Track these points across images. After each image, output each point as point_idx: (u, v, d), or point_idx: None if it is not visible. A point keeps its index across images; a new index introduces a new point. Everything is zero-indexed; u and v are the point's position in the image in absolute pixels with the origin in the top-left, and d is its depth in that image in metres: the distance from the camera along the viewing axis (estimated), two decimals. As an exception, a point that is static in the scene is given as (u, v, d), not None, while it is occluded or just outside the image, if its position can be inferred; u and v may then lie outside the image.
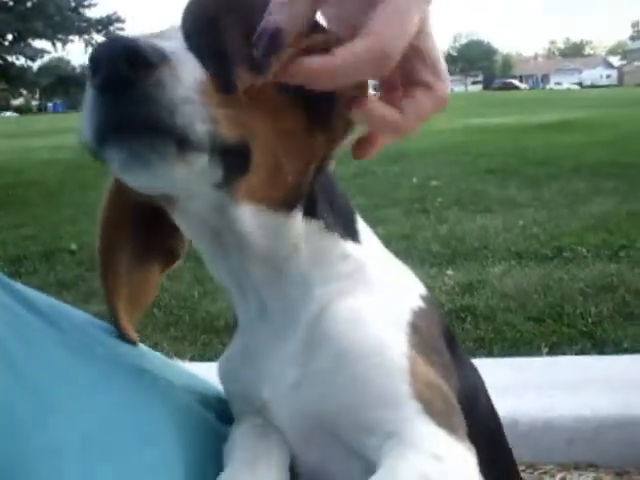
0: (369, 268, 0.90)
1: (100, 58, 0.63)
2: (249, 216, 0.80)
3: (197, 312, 4.14)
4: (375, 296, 0.88)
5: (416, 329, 0.85)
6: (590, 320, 3.54)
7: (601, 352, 3.17)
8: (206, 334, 3.76)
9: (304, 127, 0.79)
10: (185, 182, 0.71)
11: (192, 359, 3.40)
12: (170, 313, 4.15)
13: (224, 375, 1.00)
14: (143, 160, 0.66)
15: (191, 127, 0.65)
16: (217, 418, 1.03)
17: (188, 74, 0.66)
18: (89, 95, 0.66)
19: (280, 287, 0.87)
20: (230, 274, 0.89)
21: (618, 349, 3.20)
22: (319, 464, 0.89)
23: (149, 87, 0.63)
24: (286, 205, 0.83)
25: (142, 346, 1.10)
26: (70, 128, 27.48)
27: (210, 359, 3.38)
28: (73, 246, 5.90)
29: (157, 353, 1.14)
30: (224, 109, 0.68)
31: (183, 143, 0.66)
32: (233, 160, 0.71)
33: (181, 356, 3.44)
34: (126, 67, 0.62)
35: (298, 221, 0.85)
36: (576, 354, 3.13)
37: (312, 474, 0.91)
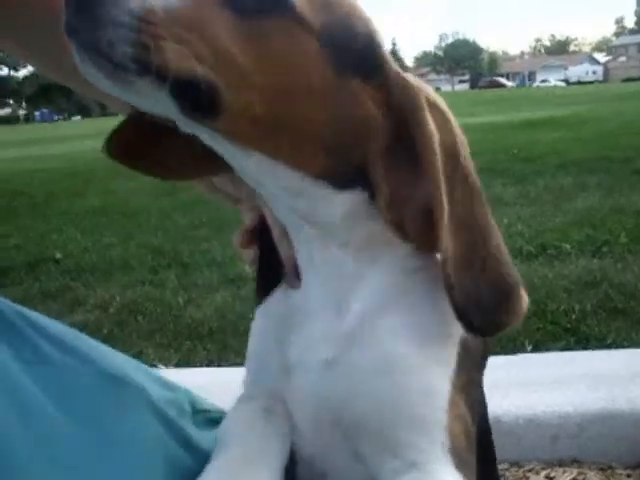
0: (429, 270, 0.86)
1: None
2: (264, 171, 0.79)
3: (182, 319, 4.12)
4: (434, 306, 0.84)
5: (466, 348, 0.84)
6: (574, 316, 3.55)
7: (585, 348, 3.17)
8: (191, 340, 3.75)
9: (323, 70, 0.76)
10: (143, 102, 0.73)
11: (177, 365, 3.40)
12: (155, 320, 4.14)
13: (258, 323, 0.97)
14: (91, 71, 0.69)
15: (114, 48, 0.66)
16: (199, 428, 1.03)
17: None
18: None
19: (333, 255, 0.85)
20: (280, 212, 0.88)
21: (602, 344, 3.21)
22: (320, 456, 0.87)
23: (83, 4, 0.65)
24: (329, 177, 0.80)
25: (114, 351, 1.10)
26: (56, 137, 27.48)
27: (195, 365, 3.38)
28: (58, 255, 5.89)
29: (133, 360, 1.13)
30: (179, 43, 0.68)
31: (112, 62, 0.67)
32: (190, 93, 0.70)
33: (166, 363, 3.43)
34: None
35: (348, 200, 0.81)
36: (560, 350, 3.13)
37: (309, 464, 0.89)
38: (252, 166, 0.78)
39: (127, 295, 4.67)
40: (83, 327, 4.06)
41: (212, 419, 1.11)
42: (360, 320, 0.83)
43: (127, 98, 0.72)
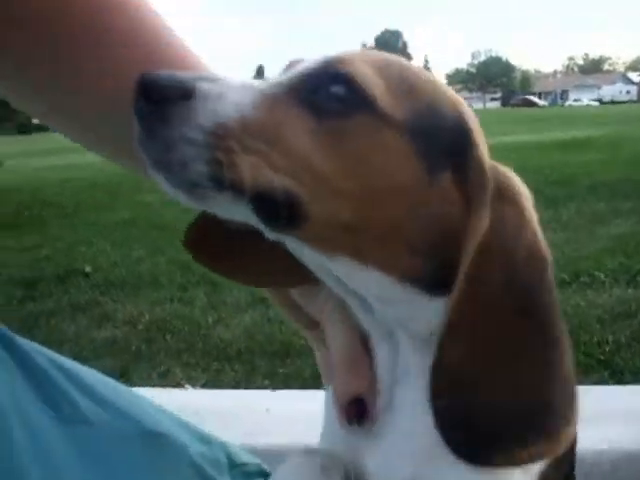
0: None
1: (137, 87, 0.65)
2: (351, 276, 0.74)
3: (210, 338, 4.13)
4: None
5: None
6: (607, 348, 3.49)
7: (619, 381, 3.12)
8: (219, 361, 3.75)
9: (410, 166, 0.71)
10: (223, 213, 0.70)
11: (204, 386, 3.39)
12: (183, 339, 4.15)
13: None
14: (167, 187, 0.67)
15: (183, 163, 0.65)
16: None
17: (206, 112, 0.65)
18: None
19: (424, 358, 0.77)
20: (368, 322, 0.81)
21: (636, 378, 3.15)
22: None
23: (154, 120, 0.65)
24: (420, 280, 0.73)
25: (150, 402, 1.08)
26: (74, 148, 27.76)
27: (222, 386, 3.37)
28: (88, 268, 5.92)
29: (168, 412, 1.12)
30: (254, 154, 0.66)
31: (187, 180, 0.66)
32: (270, 205, 0.66)
33: (193, 383, 3.43)
34: (143, 100, 0.65)
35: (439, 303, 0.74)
36: (593, 384, 3.08)
37: None
38: (338, 271, 0.74)
39: (156, 312, 4.68)
40: (112, 343, 4.08)
41: (249, 473, 1.10)
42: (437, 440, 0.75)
43: (206, 209, 0.70)
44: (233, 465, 1.06)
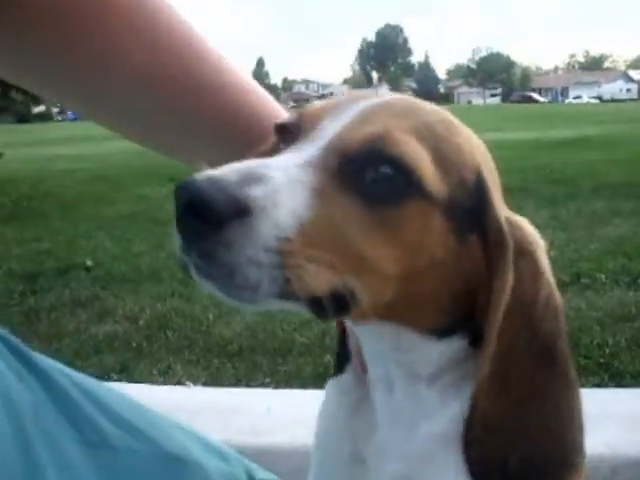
0: None
1: (179, 197, 0.62)
2: (379, 337, 0.79)
3: (211, 335, 4.13)
4: None
5: None
6: (607, 351, 3.50)
7: (619, 384, 3.13)
8: (219, 358, 3.75)
9: (447, 240, 0.73)
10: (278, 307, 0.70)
11: (205, 384, 3.39)
12: (184, 336, 4.15)
13: (327, 412, 0.95)
14: (214, 284, 0.65)
15: (253, 287, 0.63)
16: None
17: (268, 228, 0.63)
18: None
19: (417, 391, 0.83)
20: (372, 359, 0.86)
21: (636, 382, 3.16)
22: None
23: (212, 245, 0.62)
24: (435, 330, 0.78)
25: (168, 420, 1.09)
26: (88, 137, 27.73)
27: (223, 384, 3.37)
28: (89, 262, 5.92)
29: (185, 427, 1.12)
30: (315, 262, 0.65)
31: (246, 296, 0.64)
32: (325, 303, 0.67)
33: (194, 380, 3.43)
34: (195, 219, 0.61)
35: (449, 349, 0.80)
36: (593, 386, 3.09)
37: None
38: (361, 331, 0.79)
39: (157, 308, 4.68)
40: (112, 339, 4.08)
41: None
42: (434, 442, 0.82)
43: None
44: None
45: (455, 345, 0.79)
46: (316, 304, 0.66)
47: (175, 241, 0.65)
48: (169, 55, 0.88)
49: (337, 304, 0.67)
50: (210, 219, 0.60)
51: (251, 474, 1.11)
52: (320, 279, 0.65)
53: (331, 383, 0.96)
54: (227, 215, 0.60)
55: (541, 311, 0.74)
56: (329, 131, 0.71)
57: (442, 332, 0.78)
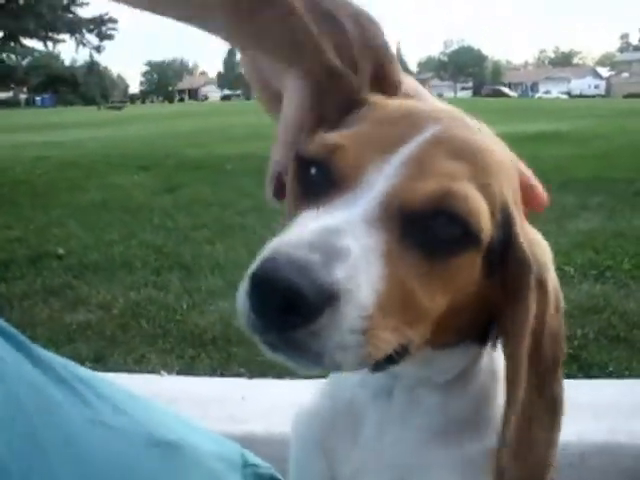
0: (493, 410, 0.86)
1: (259, 284, 0.60)
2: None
3: (185, 325, 4.13)
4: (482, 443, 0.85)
5: None
6: (576, 343, 3.57)
7: (586, 375, 3.19)
8: (194, 348, 3.76)
9: (479, 287, 0.74)
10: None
11: (179, 373, 3.40)
12: (158, 325, 4.15)
13: (314, 424, 0.94)
14: (291, 361, 0.65)
15: (337, 366, 0.64)
16: None
17: (354, 311, 0.61)
18: (245, 294, 0.63)
19: (417, 394, 0.85)
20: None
21: (603, 372, 3.23)
22: None
23: (301, 336, 0.60)
24: (452, 344, 0.80)
25: (168, 411, 1.11)
26: (59, 124, 27.40)
27: (198, 374, 3.38)
28: (61, 251, 5.88)
29: (180, 416, 1.14)
30: (389, 330, 0.65)
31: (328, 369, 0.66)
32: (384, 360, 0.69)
33: (169, 369, 3.43)
34: (282, 310, 0.59)
35: (462, 360, 0.83)
36: (562, 377, 3.14)
37: None
38: None
39: (130, 296, 4.67)
40: (86, 328, 4.07)
41: (261, 474, 1.13)
42: (415, 451, 0.84)
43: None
44: (246, 464, 1.09)
45: (467, 352, 0.82)
46: (378, 363, 0.68)
47: (243, 309, 0.63)
48: None
49: (393, 357, 0.68)
50: (302, 312, 0.59)
51: (245, 458, 1.14)
52: (390, 342, 0.66)
53: (322, 387, 0.97)
54: (319, 307, 0.59)
55: (550, 335, 0.76)
56: (381, 181, 0.68)
57: (456, 344, 0.80)
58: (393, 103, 0.78)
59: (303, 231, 0.63)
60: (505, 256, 0.74)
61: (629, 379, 3.05)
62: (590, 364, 3.33)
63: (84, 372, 1.00)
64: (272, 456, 1.22)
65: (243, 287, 0.63)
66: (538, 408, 0.76)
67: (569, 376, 3.15)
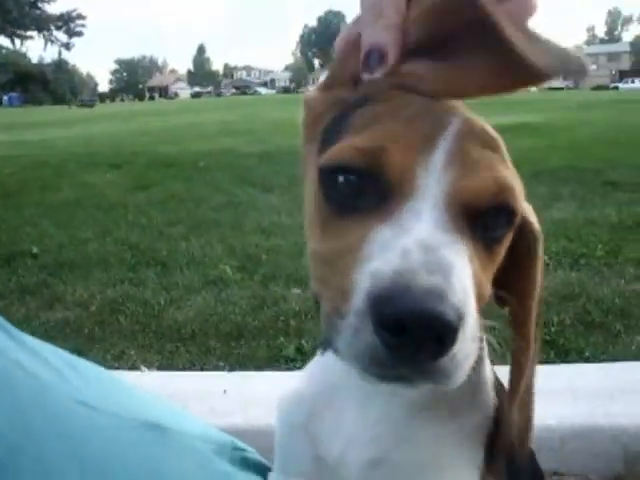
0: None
1: (398, 319, 0.57)
2: None
3: (163, 320, 4.11)
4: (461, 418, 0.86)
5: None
6: (553, 329, 3.61)
7: (564, 361, 3.23)
8: (172, 342, 3.75)
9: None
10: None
11: (159, 368, 3.39)
12: (136, 321, 4.12)
13: (296, 410, 0.94)
14: (403, 387, 0.66)
15: (460, 377, 0.63)
16: (234, 466, 1.05)
17: (472, 320, 0.61)
18: (370, 332, 0.59)
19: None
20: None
21: (580, 357, 3.28)
22: None
23: (443, 362, 0.60)
24: None
25: (154, 396, 1.11)
26: (29, 124, 27.10)
27: (177, 368, 3.38)
28: (35, 249, 5.82)
29: (168, 402, 1.15)
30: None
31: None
32: None
33: (148, 365, 3.42)
34: (423, 343, 0.58)
35: None
36: (540, 363, 3.18)
37: None
38: None
39: (107, 293, 4.64)
40: (64, 325, 4.04)
41: (247, 459, 1.13)
42: (400, 424, 0.85)
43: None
44: (235, 447, 1.10)
45: None
46: None
47: (366, 349, 0.60)
48: None
49: None
50: (448, 339, 0.58)
51: (231, 441, 1.14)
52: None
53: (305, 372, 0.97)
54: (459, 329, 0.58)
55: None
56: (435, 183, 0.66)
57: None
58: (402, 95, 0.72)
59: (401, 253, 0.60)
60: (517, 229, 0.75)
61: (606, 363, 3.10)
62: (567, 350, 3.37)
63: (73, 358, 1.01)
64: (254, 448, 1.23)
65: (358, 323, 0.60)
66: (534, 375, 0.81)
67: (547, 362, 3.21)
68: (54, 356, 0.97)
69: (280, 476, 0.97)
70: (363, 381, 0.64)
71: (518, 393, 0.78)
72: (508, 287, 0.76)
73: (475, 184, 0.66)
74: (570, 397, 2.56)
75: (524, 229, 0.76)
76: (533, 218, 0.78)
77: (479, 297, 0.66)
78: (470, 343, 0.61)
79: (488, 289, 0.70)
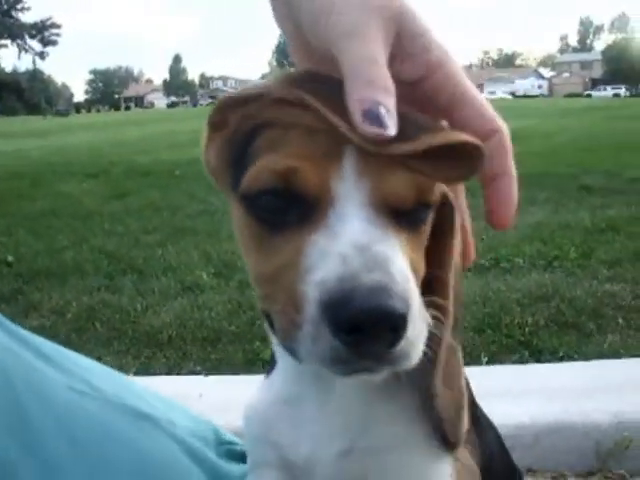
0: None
1: (351, 319, 0.60)
2: None
3: (140, 326, 4.10)
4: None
5: None
6: (527, 330, 3.65)
7: (538, 360, 3.27)
8: (149, 348, 3.74)
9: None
10: None
11: (136, 373, 3.39)
12: (113, 327, 4.11)
13: (254, 421, 0.95)
14: (369, 376, 0.68)
15: (415, 357, 0.66)
16: (220, 457, 1.06)
17: (417, 303, 0.65)
18: (329, 333, 0.62)
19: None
20: None
21: (554, 357, 3.31)
22: None
23: (401, 348, 0.63)
24: None
25: (142, 386, 1.12)
26: (3, 133, 26.88)
27: (154, 373, 3.37)
28: (10, 258, 5.79)
29: (158, 394, 1.16)
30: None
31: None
32: None
33: (125, 371, 3.42)
34: (379, 336, 0.61)
35: None
36: (514, 363, 3.22)
37: None
38: None
39: (83, 301, 4.61)
40: (40, 333, 3.99)
41: (235, 452, 1.14)
42: (360, 411, 0.87)
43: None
44: (220, 442, 1.11)
45: None
46: None
47: (324, 348, 0.63)
48: None
49: None
50: (401, 329, 0.62)
51: (218, 434, 1.15)
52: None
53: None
54: (408, 319, 0.62)
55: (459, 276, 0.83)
56: (354, 188, 0.68)
57: None
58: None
59: (339, 258, 0.63)
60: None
61: (579, 362, 3.14)
62: (541, 350, 3.41)
63: (65, 349, 1.02)
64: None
65: (315, 331, 0.63)
66: (454, 345, 0.82)
67: (521, 362, 3.24)
68: (45, 346, 0.98)
69: (255, 470, 0.97)
70: (331, 375, 0.67)
71: (440, 364, 0.78)
72: (428, 256, 0.78)
73: (392, 188, 0.69)
74: (544, 396, 2.59)
75: (442, 202, 0.79)
76: (447, 189, 0.81)
77: (417, 277, 0.71)
78: (419, 322, 0.65)
79: (422, 266, 0.75)
